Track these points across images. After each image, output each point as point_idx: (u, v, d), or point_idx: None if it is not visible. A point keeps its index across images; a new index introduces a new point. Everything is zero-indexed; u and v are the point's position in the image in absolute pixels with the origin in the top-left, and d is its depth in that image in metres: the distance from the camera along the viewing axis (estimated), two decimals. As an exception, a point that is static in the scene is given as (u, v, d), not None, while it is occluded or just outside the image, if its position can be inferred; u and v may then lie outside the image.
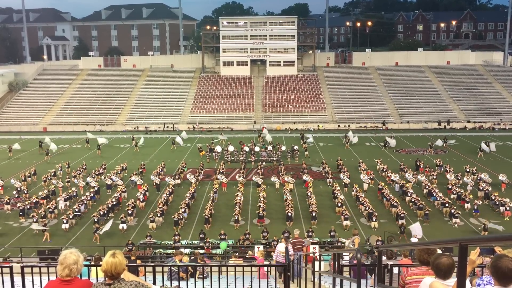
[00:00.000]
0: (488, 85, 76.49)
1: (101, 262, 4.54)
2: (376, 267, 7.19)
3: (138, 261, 16.11)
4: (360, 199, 32.51)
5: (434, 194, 33.22)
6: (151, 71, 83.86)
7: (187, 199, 32.96)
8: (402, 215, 29.21)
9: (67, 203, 33.46)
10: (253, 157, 46.62)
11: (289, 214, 30.27)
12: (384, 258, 10.44)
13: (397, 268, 7.86)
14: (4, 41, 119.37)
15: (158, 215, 30.41)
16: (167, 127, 67.08)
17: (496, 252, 7.35)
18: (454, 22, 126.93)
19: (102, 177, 39.58)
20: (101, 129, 66.50)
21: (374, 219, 29.37)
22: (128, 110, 72.62)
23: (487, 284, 4.14)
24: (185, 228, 29.33)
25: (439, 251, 4.97)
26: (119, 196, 34.48)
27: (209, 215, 30.17)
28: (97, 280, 4.67)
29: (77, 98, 75.48)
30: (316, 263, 13.02)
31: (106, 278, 4.39)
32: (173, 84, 79.65)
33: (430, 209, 30.91)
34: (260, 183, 37.28)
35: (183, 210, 30.70)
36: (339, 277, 8.66)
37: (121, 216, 30.29)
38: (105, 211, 30.83)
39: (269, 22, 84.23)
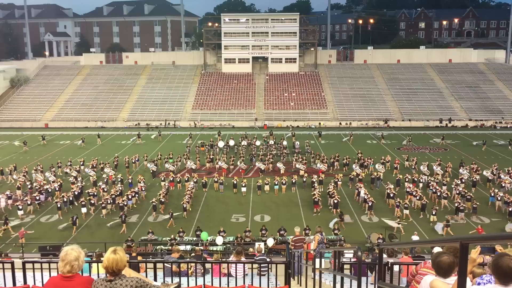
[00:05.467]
0: (490, 83, 76.32)
1: (102, 259, 4.55)
2: (377, 265, 7.19)
3: (139, 258, 16.17)
4: (408, 190, 32.61)
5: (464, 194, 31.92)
6: (152, 67, 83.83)
7: (163, 190, 33.83)
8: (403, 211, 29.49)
9: (10, 201, 32.31)
10: (261, 151, 46.57)
11: (335, 201, 30.68)
12: (385, 256, 10.44)
13: (397, 266, 7.87)
14: (5, 37, 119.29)
15: (109, 202, 31.20)
16: (169, 123, 67.09)
17: (497, 251, 7.36)
18: (456, 20, 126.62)
19: (68, 170, 39.38)
20: (103, 126, 66.55)
21: (433, 213, 28.83)
22: (129, 106, 72.62)
23: (487, 283, 4.14)
24: (187, 225, 29.33)
25: (438, 249, 4.96)
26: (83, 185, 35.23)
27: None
28: (98, 277, 4.68)
29: (79, 95, 75.51)
30: (317, 260, 13.03)
31: (107, 275, 4.40)
32: (174, 81, 79.61)
33: (478, 203, 30.90)
34: (263, 168, 37.34)
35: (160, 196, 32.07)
36: (340, 274, 8.68)
37: (81, 200, 31.19)
38: (70, 199, 31.55)
39: (271, 19, 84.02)
